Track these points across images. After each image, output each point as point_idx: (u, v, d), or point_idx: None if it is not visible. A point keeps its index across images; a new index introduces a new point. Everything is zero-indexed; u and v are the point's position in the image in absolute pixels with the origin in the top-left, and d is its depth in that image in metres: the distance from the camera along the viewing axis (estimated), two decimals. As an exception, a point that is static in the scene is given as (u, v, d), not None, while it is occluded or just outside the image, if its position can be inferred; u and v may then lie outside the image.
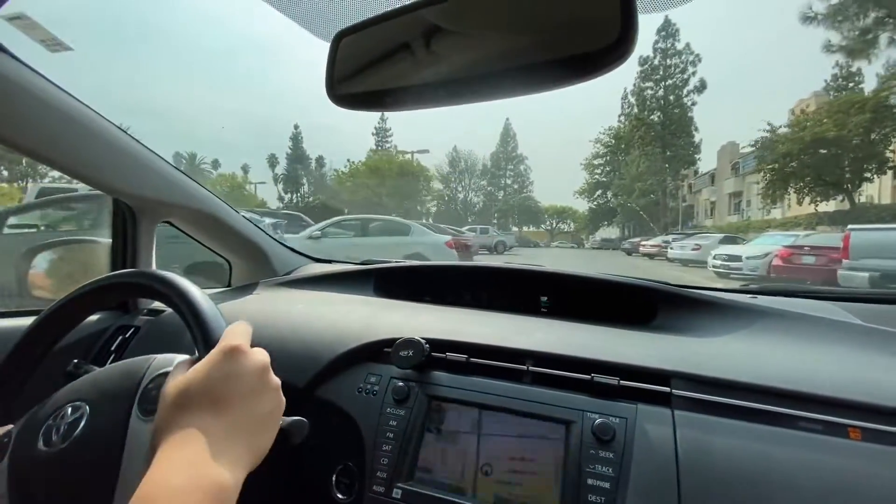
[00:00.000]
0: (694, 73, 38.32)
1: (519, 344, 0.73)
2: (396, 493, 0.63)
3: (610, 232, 50.80)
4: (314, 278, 1.20)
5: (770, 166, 19.95)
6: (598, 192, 50.85)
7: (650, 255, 21.70)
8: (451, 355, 0.73)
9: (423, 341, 0.71)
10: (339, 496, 0.68)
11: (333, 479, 0.69)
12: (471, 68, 0.44)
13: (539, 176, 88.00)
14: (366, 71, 0.52)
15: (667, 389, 0.62)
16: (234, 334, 0.46)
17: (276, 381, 0.47)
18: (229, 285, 1.31)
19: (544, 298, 0.99)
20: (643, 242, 23.94)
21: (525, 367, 0.70)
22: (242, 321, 0.50)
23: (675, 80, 39.16)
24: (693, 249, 16.23)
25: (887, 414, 0.55)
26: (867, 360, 0.67)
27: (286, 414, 0.52)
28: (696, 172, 40.80)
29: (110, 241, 1.09)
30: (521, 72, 0.41)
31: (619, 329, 0.80)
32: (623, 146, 44.85)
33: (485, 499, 0.60)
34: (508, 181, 59.84)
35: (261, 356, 0.46)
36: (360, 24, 0.52)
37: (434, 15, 0.45)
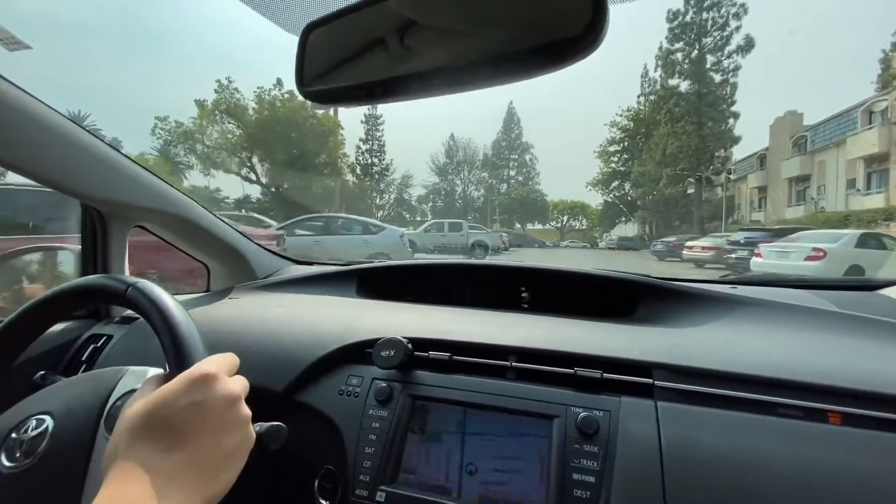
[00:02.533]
0: (738, 29, 29.75)
1: (502, 340, 0.72)
2: (380, 497, 0.61)
3: (627, 230, 43.25)
4: (295, 280, 1.15)
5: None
6: (615, 183, 43.24)
7: (698, 261, 14.72)
8: (433, 354, 0.71)
9: (404, 341, 0.69)
10: (322, 501, 0.66)
11: (316, 484, 0.67)
12: (442, 60, 0.44)
13: (547, 168, 79.66)
14: (337, 65, 0.51)
15: (649, 381, 0.62)
16: (212, 361, 0.43)
17: (247, 413, 0.44)
18: (208, 290, 1.25)
19: (525, 294, 0.97)
20: (689, 243, 16.40)
21: (509, 364, 0.68)
22: (231, 354, 0.47)
23: (713, 37, 30.63)
24: (811, 258, 8.81)
25: (865, 398, 0.55)
26: (843, 345, 0.67)
27: (264, 419, 0.53)
28: (727, 159, 32.19)
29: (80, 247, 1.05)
30: (492, 62, 0.41)
31: (602, 322, 0.79)
32: (643, 129, 36.81)
33: (470, 498, 0.59)
34: (512, 172, 52.38)
35: (235, 386, 0.42)
36: (329, 16, 0.51)
37: (404, 6, 0.44)
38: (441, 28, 0.43)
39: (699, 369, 0.62)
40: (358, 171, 43.16)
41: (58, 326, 0.82)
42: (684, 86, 31.96)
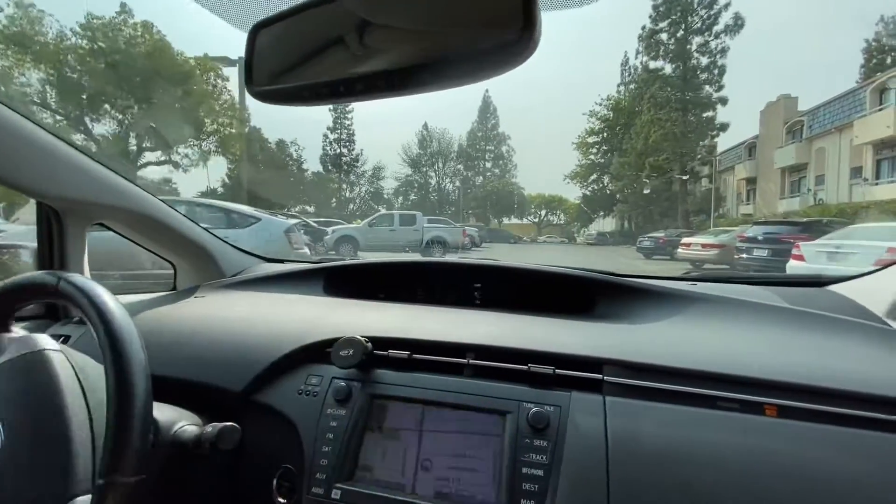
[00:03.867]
0: (727, 6, 27.14)
1: (460, 338, 0.72)
2: (335, 494, 0.61)
3: (605, 224, 40.91)
4: (262, 279, 1.13)
5: None
6: (594, 176, 40.77)
7: (698, 262, 12.01)
8: (393, 353, 0.71)
9: (363, 340, 0.69)
10: (280, 500, 0.67)
11: (274, 483, 0.68)
12: (390, 62, 0.44)
13: (525, 161, 76.98)
14: (285, 65, 0.51)
15: (599, 376, 0.63)
16: None
17: None
18: (175, 289, 1.21)
19: (477, 292, 0.98)
20: (686, 240, 13.69)
21: (466, 361, 0.69)
22: None
23: (699, 16, 27.99)
24: (887, 263, 5.29)
25: (801, 391, 0.56)
26: (788, 340, 0.69)
27: (221, 419, 0.55)
28: (713, 148, 29.81)
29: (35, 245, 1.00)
30: (440, 65, 0.41)
31: (559, 319, 0.80)
32: (623, 120, 34.29)
33: (425, 494, 0.60)
34: (488, 164, 49.35)
35: None
36: (277, 16, 0.50)
37: (351, 6, 0.45)
38: (390, 28, 0.44)
39: (646, 365, 0.63)
40: (327, 162, 39.85)
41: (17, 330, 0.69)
42: (669, 68, 29.33)
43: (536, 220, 51.77)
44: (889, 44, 26.12)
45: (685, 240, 14.02)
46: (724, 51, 27.69)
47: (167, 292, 1.16)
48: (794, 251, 7.68)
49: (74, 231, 0.96)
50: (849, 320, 0.74)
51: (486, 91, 49.95)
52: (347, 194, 43.03)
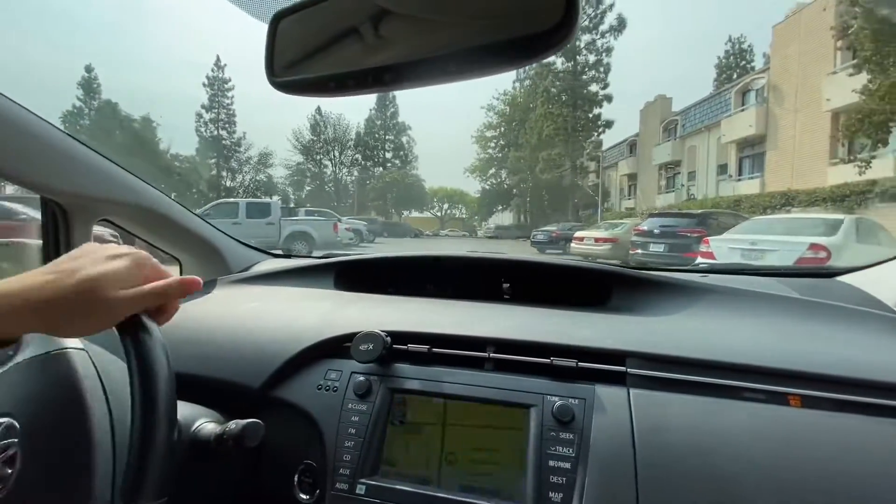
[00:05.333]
0: (611, 7, 27.66)
1: (480, 332, 0.71)
2: (360, 489, 0.60)
3: (504, 218, 40.87)
4: (271, 274, 1.09)
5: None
6: (492, 170, 40.36)
7: (590, 257, 10.72)
8: (412, 347, 0.70)
9: (383, 334, 0.68)
10: (303, 496, 0.66)
11: (296, 479, 0.67)
12: (415, 52, 0.42)
13: (427, 153, 75.42)
14: (306, 55, 0.49)
15: (622, 369, 0.62)
16: None
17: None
18: None
19: (507, 285, 0.96)
20: (578, 234, 12.72)
21: (487, 355, 0.68)
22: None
23: (587, 15, 28.23)
24: (810, 260, 5.09)
25: (822, 381, 0.56)
26: (804, 331, 0.69)
27: (241, 416, 0.54)
28: (599, 144, 30.72)
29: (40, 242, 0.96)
30: (466, 55, 0.40)
31: (577, 312, 0.79)
32: (519, 115, 34.19)
33: (450, 488, 0.59)
34: (388, 154, 46.56)
35: None
36: (297, 5, 0.49)
37: None
38: (415, 17, 0.42)
39: (669, 356, 0.63)
40: (204, 146, 34.01)
41: None
42: (559, 63, 29.31)
43: (440, 213, 50.51)
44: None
45: (577, 234, 13.03)
46: (609, 50, 28.32)
47: None
48: (703, 247, 6.52)
49: (80, 227, 0.94)
50: (862, 310, 0.73)
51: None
52: (229, 183, 37.43)
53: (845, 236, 5.60)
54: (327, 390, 0.69)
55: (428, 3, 0.41)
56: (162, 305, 0.47)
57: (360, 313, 0.82)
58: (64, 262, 0.42)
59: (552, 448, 0.57)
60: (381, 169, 45.48)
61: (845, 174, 11.62)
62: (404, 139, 46.73)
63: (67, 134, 0.84)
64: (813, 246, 5.25)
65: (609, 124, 29.15)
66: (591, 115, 29.05)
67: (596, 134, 29.74)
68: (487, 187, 41.92)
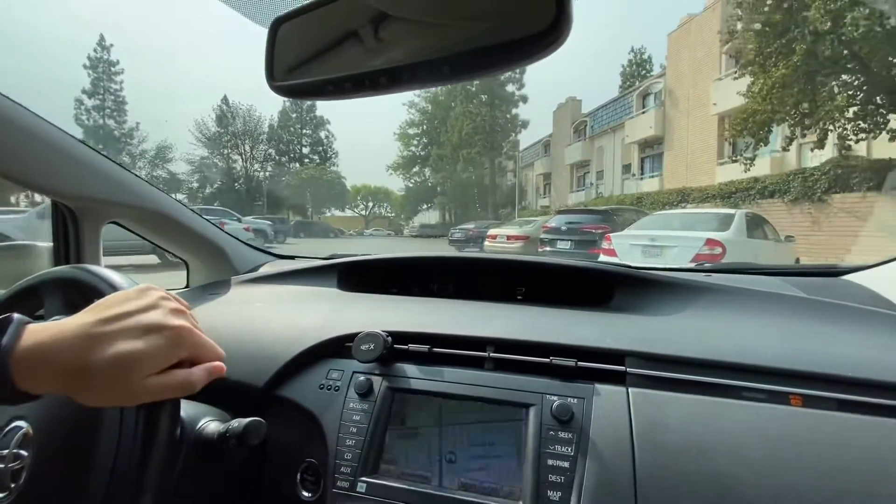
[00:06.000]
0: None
1: (480, 331, 0.71)
2: (361, 487, 0.61)
3: (430, 217, 40.32)
4: (276, 275, 1.09)
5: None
6: (416, 167, 39.49)
7: (502, 254, 9.33)
8: (413, 347, 0.70)
9: (383, 334, 0.68)
10: (305, 494, 0.66)
11: (298, 477, 0.67)
12: (411, 55, 0.43)
13: (349, 149, 72.73)
14: (305, 59, 0.50)
15: (622, 368, 0.62)
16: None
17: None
18: (188, 286, 1.21)
19: (509, 285, 0.97)
20: (492, 231, 12.37)
21: (486, 354, 0.68)
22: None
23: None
24: (706, 257, 5.02)
25: (823, 380, 0.56)
26: (808, 330, 0.68)
27: (244, 415, 0.55)
28: (516, 144, 31.35)
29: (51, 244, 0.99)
30: (461, 58, 0.40)
31: (578, 311, 0.79)
32: (441, 113, 33.78)
33: (450, 486, 0.59)
34: (305, 149, 43.79)
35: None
36: (297, 10, 0.50)
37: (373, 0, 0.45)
38: (411, 21, 0.43)
39: (669, 356, 0.62)
40: (86, 136, 29.29)
41: None
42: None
43: (365, 212, 48.73)
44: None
45: (491, 231, 12.64)
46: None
47: (182, 289, 1.15)
48: (605, 244, 6.22)
49: (90, 230, 0.95)
50: (868, 309, 0.72)
51: (301, 69, 44.21)
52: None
53: (737, 230, 5.57)
54: (329, 389, 0.69)
55: (424, 6, 0.42)
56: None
57: (361, 314, 0.83)
58: (102, 322, 0.39)
59: (551, 447, 0.57)
60: (297, 165, 42.70)
61: (731, 173, 12.41)
62: (323, 134, 44.22)
63: (75, 138, 0.85)
64: (709, 241, 5.11)
65: (525, 124, 29.79)
66: (508, 116, 29.39)
67: (514, 134, 30.22)
68: (411, 185, 41.12)
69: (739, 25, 9.76)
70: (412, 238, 29.12)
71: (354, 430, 0.64)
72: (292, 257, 1.32)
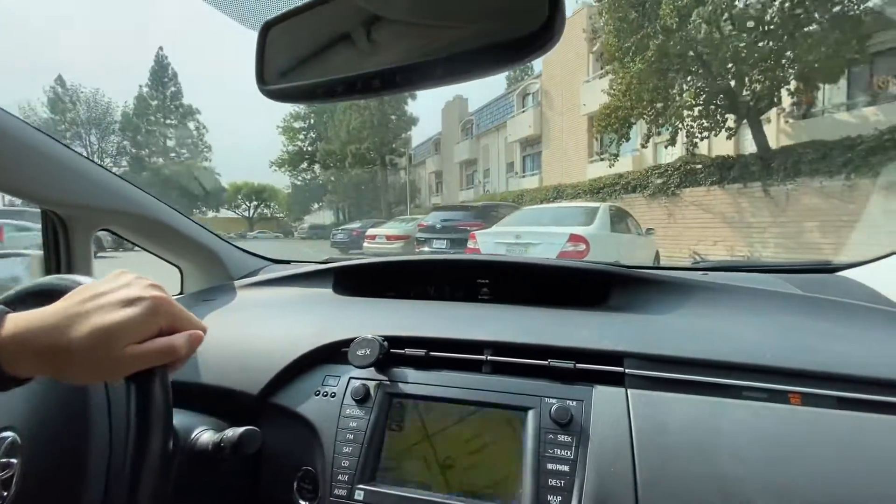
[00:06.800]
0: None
1: (477, 335, 0.70)
2: (358, 495, 0.59)
3: (324, 217, 37.79)
4: (271, 280, 1.07)
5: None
6: (304, 164, 36.56)
7: (382, 255, 8.53)
8: (410, 351, 0.69)
9: (379, 339, 0.67)
10: (302, 503, 0.65)
11: (295, 485, 0.66)
12: (403, 57, 0.42)
13: (228, 143, 65.59)
14: (296, 63, 0.50)
15: (620, 370, 0.61)
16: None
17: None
18: (182, 292, 1.18)
19: (507, 286, 0.94)
20: (371, 231, 11.50)
21: (484, 357, 0.67)
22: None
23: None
24: (571, 254, 4.60)
25: (822, 378, 0.55)
26: (805, 327, 0.68)
27: (239, 423, 0.55)
28: (407, 141, 30.74)
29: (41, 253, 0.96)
30: (454, 59, 0.40)
31: (575, 312, 0.78)
32: (328, 108, 31.60)
33: (448, 492, 0.58)
34: (170, 142, 38.07)
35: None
36: (287, 13, 0.49)
37: (362, 1, 0.44)
38: (403, 23, 0.42)
39: (668, 356, 0.61)
40: None
41: None
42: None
43: (249, 213, 43.93)
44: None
45: (370, 231, 11.60)
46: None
47: (175, 295, 1.10)
48: (470, 243, 5.54)
49: (80, 237, 0.94)
50: (863, 305, 0.72)
51: (161, 50, 38.31)
52: None
53: (601, 225, 5.26)
54: (325, 396, 0.68)
55: (416, 8, 0.42)
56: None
57: (358, 318, 0.82)
58: (78, 303, 0.41)
59: (550, 450, 0.56)
60: (161, 160, 36.84)
61: (601, 170, 12.95)
62: (192, 125, 38.85)
63: (64, 145, 0.84)
64: (572, 237, 4.65)
65: (414, 121, 28.99)
66: (398, 111, 28.47)
67: (406, 131, 29.37)
68: (299, 183, 38.14)
69: (601, 22, 9.96)
70: (301, 240, 26.83)
71: (351, 436, 0.63)
72: (288, 262, 1.28)
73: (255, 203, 44.76)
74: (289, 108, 35.28)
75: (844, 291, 0.77)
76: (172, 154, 37.69)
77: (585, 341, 0.65)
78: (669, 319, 0.72)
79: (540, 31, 0.34)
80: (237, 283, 1.10)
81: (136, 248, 1.08)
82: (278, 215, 45.73)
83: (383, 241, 10.67)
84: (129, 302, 0.41)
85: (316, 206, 39.11)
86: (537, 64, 19.22)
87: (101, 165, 0.92)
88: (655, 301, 0.78)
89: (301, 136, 36.12)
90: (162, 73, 37.91)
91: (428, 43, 0.41)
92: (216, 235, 1.16)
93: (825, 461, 0.49)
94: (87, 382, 0.46)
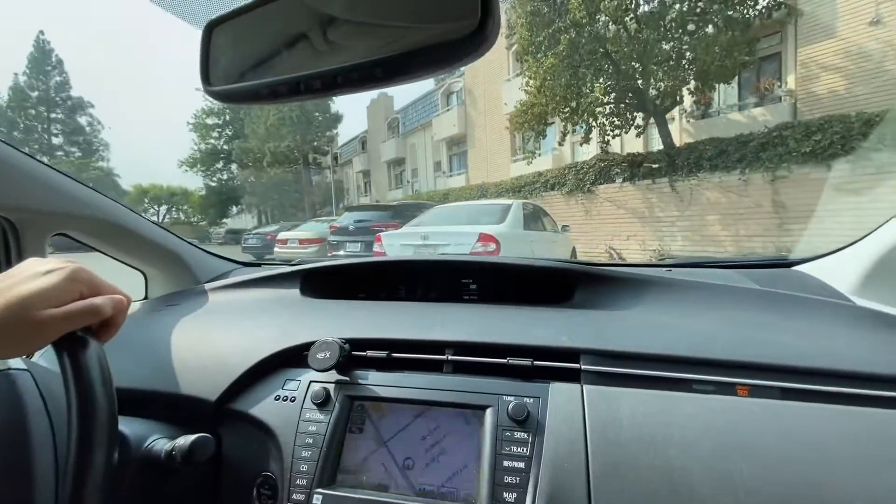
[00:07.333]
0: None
1: (438, 335, 0.71)
2: (316, 500, 0.58)
3: (245, 221, 35.13)
4: (239, 284, 1.04)
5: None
6: (219, 163, 33.62)
7: (293, 262, 7.60)
8: (371, 353, 0.69)
9: (339, 342, 0.66)
10: None
11: (255, 492, 0.65)
12: (345, 58, 0.42)
13: (125, 142, 58.81)
14: (241, 63, 0.49)
15: (577, 366, 0.62)
16: None
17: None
18: (146, 297, 1.14)
19: (473, 286, 0.95)
20: (283, 235, 10.53)
21: (445, 358, 0.67)
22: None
23: None
24: (480, 255, 2.79)
25: (768, 370, 0.57)
26: (756, 321, 0.69)
27: (197, 430, 0.55)
28: (331, 140, 29.42)
29: None
30: (393, 61, 0.40)
31: (537, 310, 0.79)
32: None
33: (408, 493, 0.58)
34: (56, 139, 33.27)
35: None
36: (231, 13, 0.49)
37: (305, 2, 0.45)
38: (347, 23, 0.43)
39: (623, 352, 0.62)
40: None
41: None
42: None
43: (158, 218, 39.54)
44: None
45: (281, 235, 10.58)
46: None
47: (138, 301, 1.09)
48: (376, 245, 4.93)
49: (33, 243, 0.90)
50: (815, 299, 0.74)
51: (41, 34, 33.23)
52: None
53: (513, 223, 4.92)
54: (285, 400, 0.67)
55: (355, 8, 0.42)
56: (106, 321, 0.46)
57: (320, 321, 0.82)
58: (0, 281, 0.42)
59: (507, 448, 0.56)
60: (45, 159, 31.93)
61: (523, 168, 12.91)
62: (84, 121, 34.25)
63: (12, 146, 0.82)
64: (482, 237, 4.22)
65: (339, 118, 27.69)
66: (321, 108, 27.00)
67: (333, 130, 27.92)
68: (215, 185, 34.96)
69: (514, 17, 9.80)
70: (219, 246, 24.44)
71: (311, 440, 0.62)
72: (258, 264, 1.27)
73: (165, 207, 40.60)
74: (202, 104, 32.26)
75: (799, 285, 0.80)
76: (59, 153, 32.95)
77: (544, 339, 0.66)
78: (629, 315, 0.73)
79: (474, 34, 0.35)
80: (203, 287, 1.06)
81: (95, 251, 1.01)
82: (193, 220, 41.87)
83: (296, 245, 9.73)
84: (45, 273, 0.42)
85: (235, 209, 36.16)
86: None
87: (53, 168, 0.87)
88: (618, 298, 0.78)
89: (215, 134, 33.19)
90: (42, 60, 32.93)
91: (367, 45, 0.42)
92: (181, 239, 1.13)
93: (767, 449, 0.50)
94: (14, 355, 0.45)
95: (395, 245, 4.74)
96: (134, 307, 1.01)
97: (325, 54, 0.42)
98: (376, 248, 4.97)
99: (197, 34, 0.51)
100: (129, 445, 0.54)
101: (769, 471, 0.48)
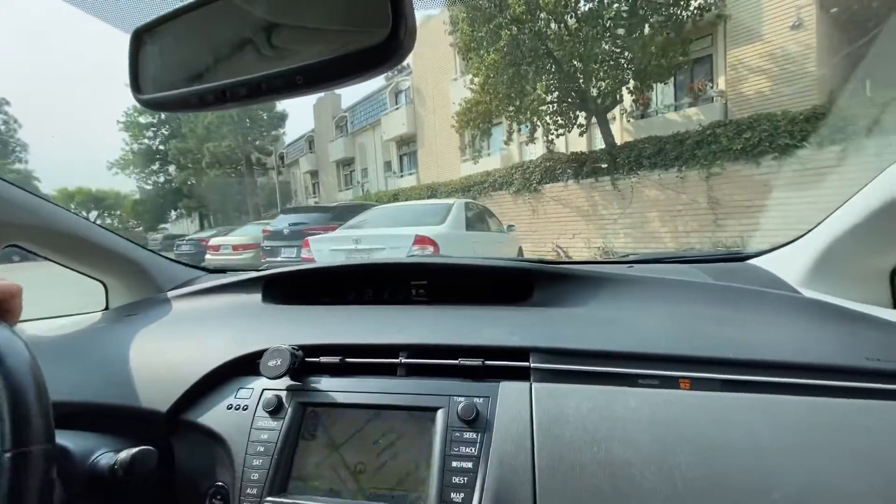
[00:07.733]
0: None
1: (391, 338, 0.71)
2: None
3: (185, 226, 32.90)
4: (200, 291, 1.02)
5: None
6: (156, 164, 31.34)
7: (227, 269, 6.81)
8: (324, 359, 0.68)
9: (291, 349, 0.66)
10: None
11: (207, 502, 0.65)
12: (267, 66, 0.43)
13: (46, 141, 53.51)
14: (168, 71, 0.49)
15: (527, 364, 0.62)
16: None
17: None
18: (107, 308, 1.10)
19: (421, 290, 0.94)
20: (215, 241, 9.85)
21: (399, 361, 0.67)
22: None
23: None
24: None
25: (709, 363, 0.58)
26: (705, 314, 0.70)
27: (148, 442, 0.55)
28: (276, 139, 28.10)
29: None
30: (314, 68, 0.40)
31: (492, 310, 0.79)
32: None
33: (359, 498, 0.58)
34: (-42, 140, 29.35)
35: None
36: (158, 20, 0.49)
37: (226, 10, 0.45)
38: (267, 32, 0.43)
39: (571, 349, 0.63)
40: None
41: None
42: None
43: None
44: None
45: (214, 241, 9.78)
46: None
47: (99, 311, 1.07)
48: (304, 251, 4.46)
49: None
50: (764, 291, 0.75)
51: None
52: None
53: (454, 223, 4.62)
54: (237, 409, 0.67)
55: (274, 16, 0.42)
56: (4, 307, 0.46)
57: (275, 328, 0.81)
58: None
59: (456, 448, 0.56)
60: (-57, 161, 28.16)
61: (472, 168, 12.70)
62: (-4, 118, 30.54)
63: None
64: (418, 239, 3.86)
65: (283, 117, 26.40)
66: (265, 107, 25.58)
67: (279, 129, 26.53)
68: (150, 188, 32.44)
69: (457, 12, 9.53)
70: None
71: (262, 448, 0.62)
72: (223, 271, 1.23)
73: (96, 212, 37.16)
74: (132, 102, 29.70)
75: (751, 278, 0.81)
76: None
77: (494, 339, 0.66)
78: (582, 312, 0.73)
79: (388, 42, 0.35)
80: (165, 295, 1.04)
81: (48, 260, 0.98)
82: (129, 225, 38.65)
83: (229, 251, 8.98)
84: None
85: (174, 213, 33.74)
86: (408, 60, 18.64)
87: (2, 178, 0.84)
88: (576, 295, 0.78)
89: (150, 133, 30.80)
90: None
91: (289, 52, 0.41)
92: (142, 247, 1.10)
93: (707, 441, 0.50)
94: None
95: (325, 251, 4.29)
96: (93, 318, 0.99)
97: (249, 62, 0.42)
98: (304, 253, 4.49)
99: (125, 36, 0.49)
100: (73, 460, 0.53)
101: (706, 460, 0.49)
